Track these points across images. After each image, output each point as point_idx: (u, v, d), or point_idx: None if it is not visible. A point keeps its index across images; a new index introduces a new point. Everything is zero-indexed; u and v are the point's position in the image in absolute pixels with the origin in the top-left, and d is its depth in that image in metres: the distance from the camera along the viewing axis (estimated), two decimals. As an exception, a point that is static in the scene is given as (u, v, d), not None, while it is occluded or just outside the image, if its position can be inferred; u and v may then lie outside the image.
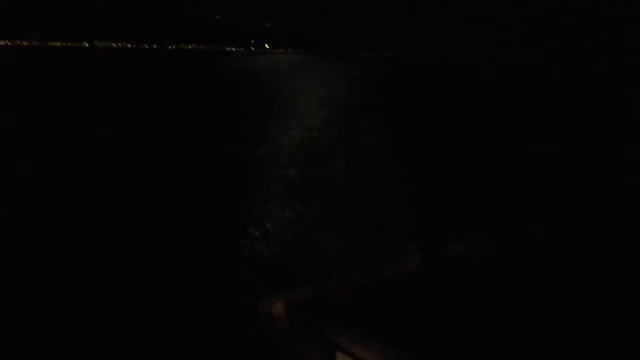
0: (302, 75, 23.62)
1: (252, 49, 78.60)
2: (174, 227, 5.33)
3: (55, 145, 8.62)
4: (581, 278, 3.02)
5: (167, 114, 11.19)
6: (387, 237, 4.49)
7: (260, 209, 5.45)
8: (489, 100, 18.45)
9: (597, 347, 2.46)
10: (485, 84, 25.74)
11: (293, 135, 8.43)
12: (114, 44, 64.47)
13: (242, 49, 75.87)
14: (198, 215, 5.60)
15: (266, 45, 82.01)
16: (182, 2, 69.87)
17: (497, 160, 7.41)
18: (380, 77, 25.71)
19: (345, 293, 2.74)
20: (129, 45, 66.22)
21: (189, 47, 71.38)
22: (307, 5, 77.63)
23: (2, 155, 7.91)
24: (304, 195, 5.49)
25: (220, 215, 5.50)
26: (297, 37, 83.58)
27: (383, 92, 17.27)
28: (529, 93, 23.33)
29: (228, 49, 73.36)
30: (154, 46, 68.21)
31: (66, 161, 7.75)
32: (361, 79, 23.43)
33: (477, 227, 3.89)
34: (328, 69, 32.67)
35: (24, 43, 57.19)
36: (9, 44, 53.90)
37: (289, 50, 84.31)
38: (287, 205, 5.40)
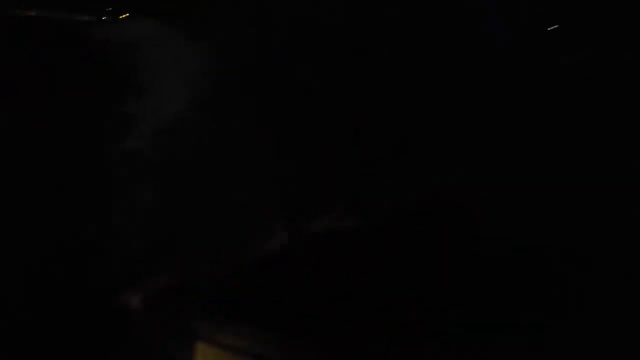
0: (165, 49, 22.12)
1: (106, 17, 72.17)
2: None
3: None
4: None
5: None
6: (250, 217, 4.21)
7: (109, 197, 4.79)
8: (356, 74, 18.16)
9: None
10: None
11: (148, 116, 7.62)
12: None
13: (95, 17, 69.38)
14: (28, 207, 4.77)
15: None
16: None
17: (356, 134, 7.34)
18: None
19: (209, 278, 2.49)
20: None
21: (32, 14, 63.57)
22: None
23: None
24: (158, 178, 4.98)
25: (56, 207, 4.74)
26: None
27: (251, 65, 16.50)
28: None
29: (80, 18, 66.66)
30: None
31: None
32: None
33: (339, 200, 3.81)
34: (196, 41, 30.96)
35: None
36: None
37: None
38: (139, 190, 4.82)
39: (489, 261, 2.90)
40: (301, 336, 2.14)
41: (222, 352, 2.08)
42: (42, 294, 3.39)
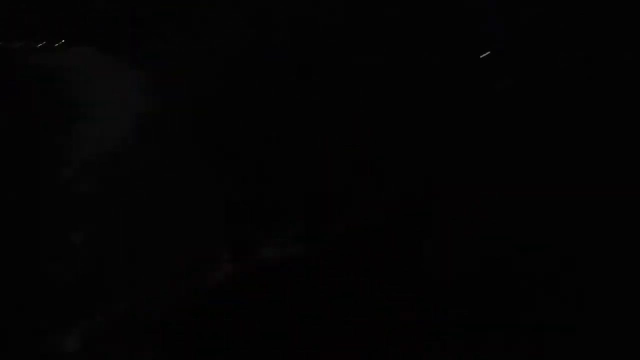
0: (102, 76, 21.19)
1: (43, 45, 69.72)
2: None
3: None
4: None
5: None
6: (194, 245, 4.05)
7: (41, 230, 4.37)
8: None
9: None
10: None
11: (85, 141, 7.02)
12: None
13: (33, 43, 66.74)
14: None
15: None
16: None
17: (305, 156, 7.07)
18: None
19: (151, 312, 2.34)
20: None
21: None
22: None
23: None
24: (95, 208, 4.67)
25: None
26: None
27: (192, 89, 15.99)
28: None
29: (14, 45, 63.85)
30: None
31: None
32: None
33: (286, 227, 3.77)
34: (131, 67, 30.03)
35: None
36: None
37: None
38: (74, 223, 4.43)
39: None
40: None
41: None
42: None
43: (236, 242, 3.61)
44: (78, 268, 3.71)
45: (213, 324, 2.42)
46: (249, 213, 4.46)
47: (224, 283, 2.84)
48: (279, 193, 5.08)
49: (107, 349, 2.18)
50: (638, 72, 2.68)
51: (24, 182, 5.88)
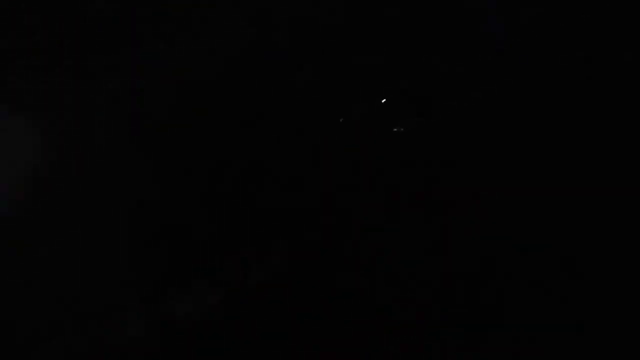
0: None
1: None
2: None
3: None
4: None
5: None
6: (98, 292, 3.87)
7: None
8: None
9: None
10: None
11: None
12: None
13: None
14: None
15: None
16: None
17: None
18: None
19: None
20: None
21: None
22: None
23: None
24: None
25: None
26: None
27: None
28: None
29: None
30: None
31: None
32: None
33: (199, 276, 3.62)
34: None
35: None
36: None
37: None
38: None
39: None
40: None
41: None
42: None
43: (145, 291, 3.39)
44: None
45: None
46: (159, 264, 4.15)
47: (133, 336, 2.68)
48: (191, 242, 4.68)
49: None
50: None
51: None
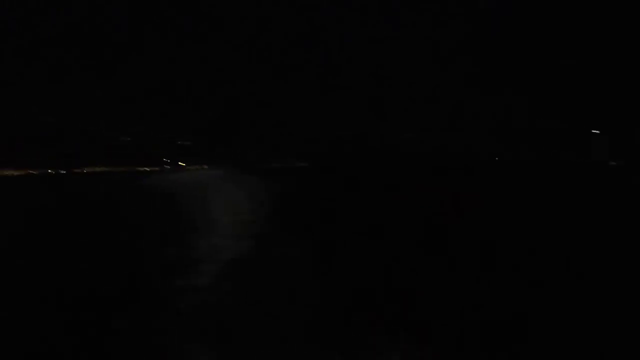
0: (219, 190, 23.08)
1: (167, 167, 78.34)
2: None
3: None
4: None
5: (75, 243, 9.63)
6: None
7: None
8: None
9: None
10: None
11: (204, 256, 7.15)
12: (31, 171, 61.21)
13: (156, 168, 75.31)
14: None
15: (181, 163, 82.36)
16: (92, 125, 69.08)
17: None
18: (301, 189, 25.00)
19: None
20: (32, 172, 63.09)
21: (101, 169, 69.71)
22: (220, 121, 79.55)
23: None
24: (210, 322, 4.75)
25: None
26: (212, 152, 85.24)
27: (301, 203, 16.47)
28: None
29: (141, 169, 72.51)
30: (62, 172, 65.75)
31: None
32: (280, 191, 23.17)
33: None
34: (244, 182, 32.46)
35: None
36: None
37: (205, 166, 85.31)
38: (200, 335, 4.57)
39: None
40: None
41: None
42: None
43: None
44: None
45: None
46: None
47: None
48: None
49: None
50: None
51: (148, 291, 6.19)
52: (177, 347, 4.25)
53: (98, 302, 5.51)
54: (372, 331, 4.52)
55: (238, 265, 7.30)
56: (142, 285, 6.60)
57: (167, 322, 4.95)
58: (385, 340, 4.27)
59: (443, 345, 4.23)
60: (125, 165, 72.05)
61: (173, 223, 12.82)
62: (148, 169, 74.49)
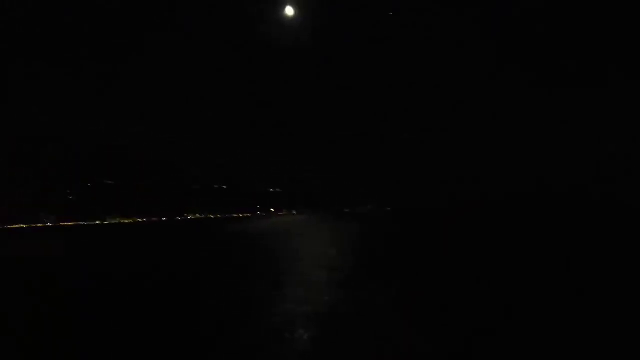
0: (305, 235, 23.30)
1: (258, 213, 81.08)
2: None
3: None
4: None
5: (171, 282, 9.93)
6: None
7: None
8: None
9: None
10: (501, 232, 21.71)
11: (292, 301, 6.94)
12: (123, 220, 66.17)
13: (248, 214, 78.23)
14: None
15: (271, 209, 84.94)
16: (186, 173, 73.38)
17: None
18: (387, 232, 24.44)
19: None
20: (139, 220, 67.98)
21: (196, 216, 73.69)
22: (308, 169, 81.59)
23: None
24: None
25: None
26: (300, 198, 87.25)
27: (390, 248, 16.06)
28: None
29: (235, 215, 75.70)
30: (163, 218, 70.33)
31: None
32: (367, 234, 22.84)
33: None
34: (330, 226, 32.51)
35: (38, 225, 59.19)
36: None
37: (293, 211, 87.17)
38: None
39: None
40: None
41: None
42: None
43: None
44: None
45: None
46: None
47: None
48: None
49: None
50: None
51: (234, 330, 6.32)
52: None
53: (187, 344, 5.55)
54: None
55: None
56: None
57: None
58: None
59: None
60: (221, 213, 75.68)
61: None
62: (241, 215, 77.51)
